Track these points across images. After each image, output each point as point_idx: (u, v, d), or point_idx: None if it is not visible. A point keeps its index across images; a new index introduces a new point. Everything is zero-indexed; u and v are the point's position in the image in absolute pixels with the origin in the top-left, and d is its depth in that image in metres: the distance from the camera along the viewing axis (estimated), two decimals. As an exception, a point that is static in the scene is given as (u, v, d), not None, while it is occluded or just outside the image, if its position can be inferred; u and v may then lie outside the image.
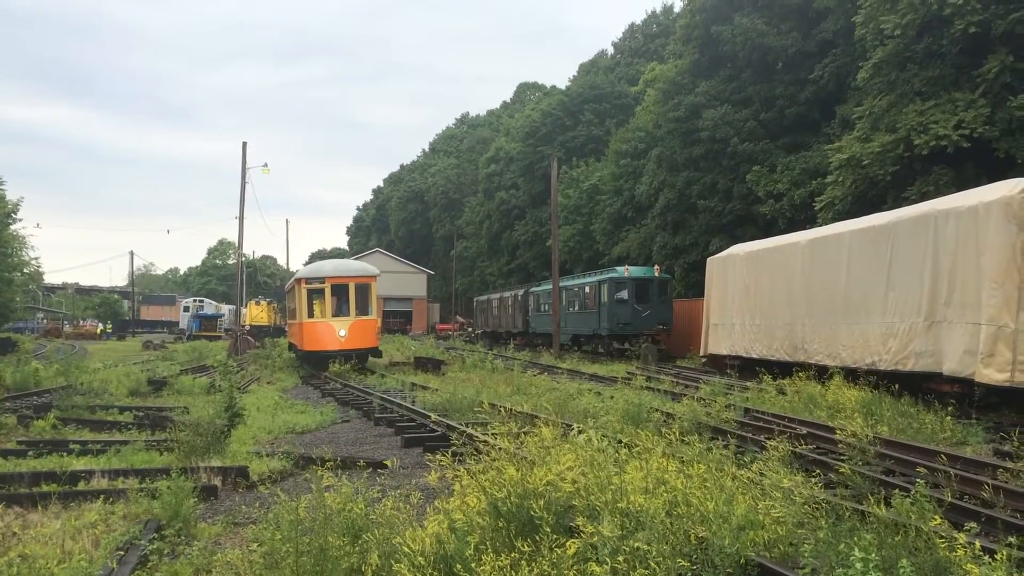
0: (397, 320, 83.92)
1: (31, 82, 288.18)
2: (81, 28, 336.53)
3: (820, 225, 26.34)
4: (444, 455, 7.90)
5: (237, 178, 47.21)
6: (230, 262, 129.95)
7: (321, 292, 28.54)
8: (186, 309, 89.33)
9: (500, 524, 6.28)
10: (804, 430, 12.79)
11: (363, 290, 29.13)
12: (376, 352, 29.58)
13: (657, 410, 14.38)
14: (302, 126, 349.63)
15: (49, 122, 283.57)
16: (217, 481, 10.43)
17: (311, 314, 28.55)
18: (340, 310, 28.68)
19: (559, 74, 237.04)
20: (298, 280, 30.09)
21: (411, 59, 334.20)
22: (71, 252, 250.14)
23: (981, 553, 5.33)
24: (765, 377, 19.00)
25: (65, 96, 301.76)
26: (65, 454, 12.18)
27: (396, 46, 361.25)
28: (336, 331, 27.89)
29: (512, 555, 5.60)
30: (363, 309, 28.97)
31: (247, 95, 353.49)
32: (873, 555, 5.14)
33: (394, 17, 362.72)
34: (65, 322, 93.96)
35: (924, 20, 24.16)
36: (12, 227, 45.16)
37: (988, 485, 8.66)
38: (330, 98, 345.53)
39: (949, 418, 13.56)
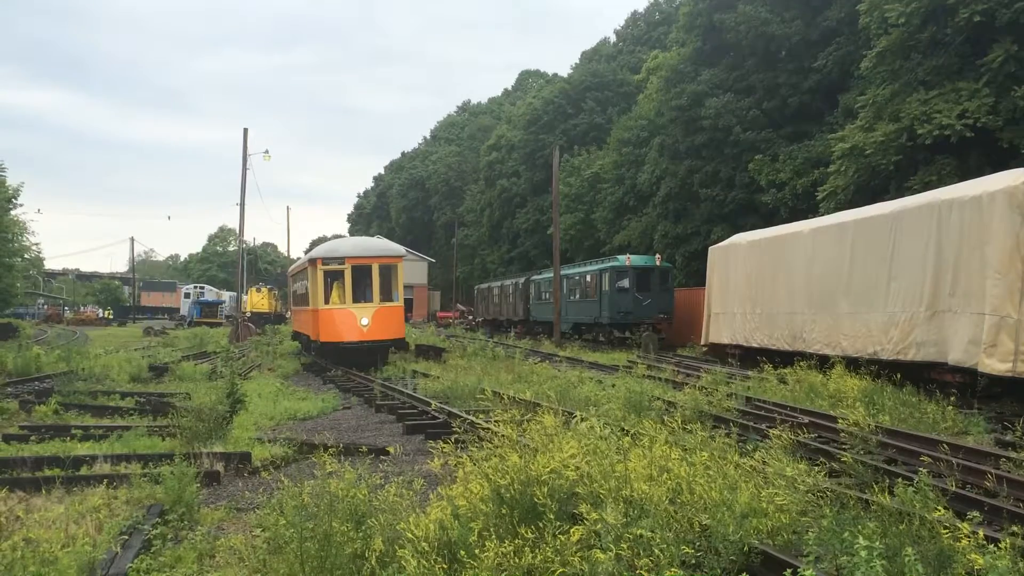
0: None
1: (21, 65, 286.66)
2: (70, 10, 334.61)
3: (822, 214, 26.29)
4: (446, 442, 7.90)
5: (237, 165, 47.20)
6: (231, 249, 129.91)
7: (340, 275, 24.82)
8: (187, 295, 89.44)
9: (503, 511, 6.28)
10: (806, 419, 12.80)
11: (388, 272, 25.45)
12: (402, 344, 26.03)
13: (659, 399, 14.39)
14: (301, 112, 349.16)
15: (43, 107, 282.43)
16: (220, 467, 10.45)
17: (328, 300, 24.84)
18: (362, 295, 25.05)
19: (561, 62, 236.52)
20: (312, 261, 25.96)
21: (411, 46, 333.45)
22: (71, 238, 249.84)
23: (985, 542, 5.33)
24: (766, 366, 19.01)
25: (57, 80, 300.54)
26: (67, 439, 12.20)
27: (395, 33, 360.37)
28: (357, 319, 24.20)
29: (515, 541, 5.61)
30: (387, 294, 25.22)
31: (243, 81, 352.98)
32: (877, 543, 5.14)
33: (393, 2, 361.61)
34: (65, 308, 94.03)
35: (928, 9, 24.07)
36: (13, 212, 45.14)
37: (991, 475, 8.67)
38: (329, 84, 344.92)
39: (951, 408, 13.57)
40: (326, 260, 25.13)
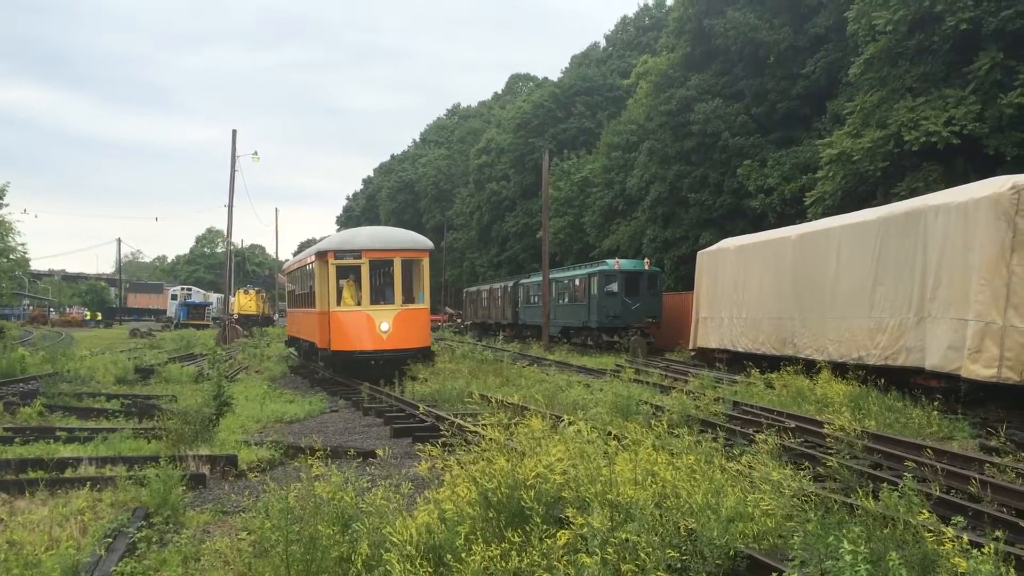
0: None
1: (2, 60, 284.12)
2: (53, 5, 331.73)
3: (810, 220, 26.42)
4: (434, 445, 7.89)
5: (224, 164, 47.11)
6: (218, 250, 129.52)
7: (356, 270, 21.22)
8: (174, 297, 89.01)
9: (490, 515, 6.28)
10: (792, 424, 12.84)
11: (411, 268, 22.00)
12: (427, 353, 22.11)
13: (646, 403, 14.40)
14: (289, 111, 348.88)
15: (26, 103, 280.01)
16: (205, 469, 10.41)
17: (340, 301, 21.16)
18: (382, 296, 21.82)
19: (551, 65, 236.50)
20: (322, 254, 21.99)
21: (399, 45, 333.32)
22: (57, 238, 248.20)
23: (969, 547, 5.37)
24: (753, 371, 19.07)
25: (40, 76, 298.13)
26: (52, 441, 12.14)
27: (384, 30, 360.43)
28: (376, 325, 20.65)
29: (502, 545, 5.61)
30: (410, 295, 21.84)
31: (230, 79, 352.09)
32: (862, 547, 5.16)
33: (383, 2, 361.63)
34: (51, 309, 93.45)
35: (916, 16, 24.23)
36: (-2, 213, 44.86)
37: (975, 480, 8.73)
38: (317, 83, 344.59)
39: (936, 413, 13.66)
40: (339, 253, 21.40)
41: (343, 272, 21.34)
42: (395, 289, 21.26)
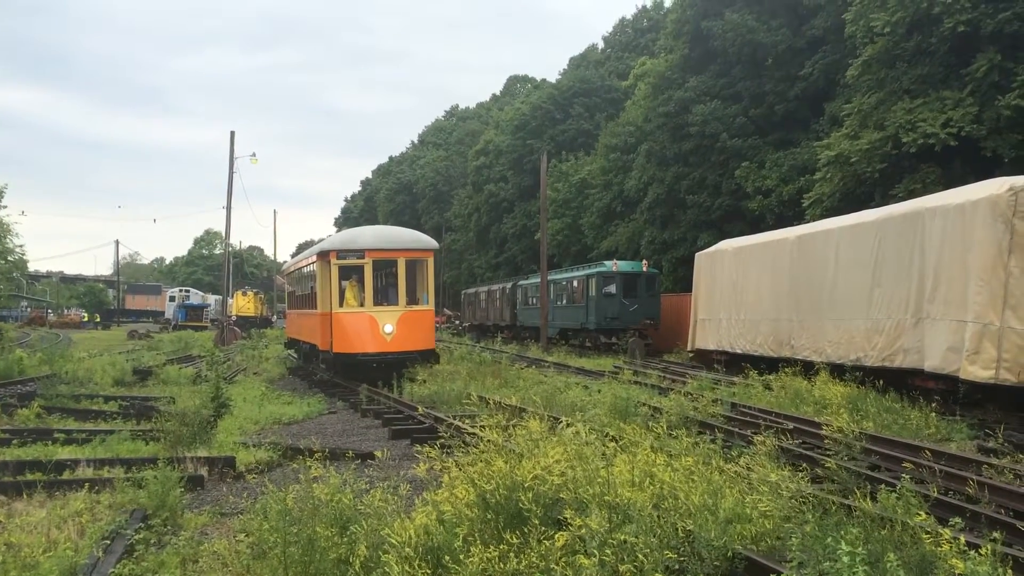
0: None
1: (2, 63, 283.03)
2: (51, 8, 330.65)
3: (808, 221, 26.44)
4: (432, 447, 7.89)
5: (222, 166, 47.26)
6: (216, 252, 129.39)
7: (359, 271, 20.85)
8: (172, 299, 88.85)
9: (488, 516, 6.28)
10: (790, 425, 12.84)
11: (416, 268, 21.62)
12: (432, 355, 21.58)
13: (644, 404, 14.40)
14: (287, 113, 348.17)
15: (23, 104, 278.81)
16: (204, 471, 10.40)
17: (343, 302, 20.67)
18: (386, 297, 21.44)
19: (549, 67, 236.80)
20: (323, 254, 21.53)
21: (397, 47, 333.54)
22: (55, 240, 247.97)
23: (966, 548, 5.37)
24: (751, 372, 19.08)
25: (37, 78, 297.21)
26: (50, 443, 12.14)
27: (381, 32, 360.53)
28: (380, 326, 20.28)
29: (500, 547, 5.61)
30: (414, 296, 21.47)
31: (227, 81, 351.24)
32: (860, 549, 5.16)
33: (378, 2, 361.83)
34: (49, 311, 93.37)
35: (914, 18, 24.28)
36: (-3, 215, 44.72)
37: (973, 481, 8.74)
38: (314, 84, 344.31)
39: (934, 414, 13.68)
40: (341, 253, 20.96)
41: (345, 272, 20.92)
42: (399, 290, 20.92)
